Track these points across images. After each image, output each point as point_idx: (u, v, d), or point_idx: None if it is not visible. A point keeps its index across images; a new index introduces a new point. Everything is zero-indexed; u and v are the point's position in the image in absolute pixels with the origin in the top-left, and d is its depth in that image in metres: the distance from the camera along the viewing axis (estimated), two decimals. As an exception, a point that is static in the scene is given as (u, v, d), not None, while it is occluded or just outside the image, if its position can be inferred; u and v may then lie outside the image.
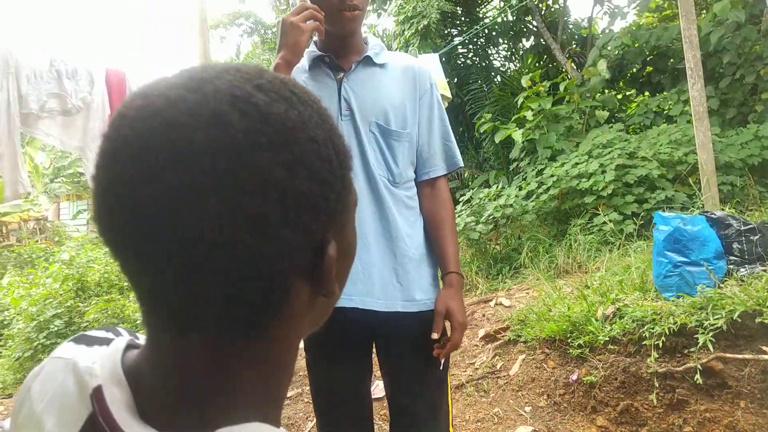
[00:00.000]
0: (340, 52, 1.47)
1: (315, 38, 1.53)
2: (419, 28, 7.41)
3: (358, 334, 1.48)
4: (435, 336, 1.39)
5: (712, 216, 3.02)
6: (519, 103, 6.37)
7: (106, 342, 0.48)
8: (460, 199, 5.78)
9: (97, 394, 0.41)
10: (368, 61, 1.48)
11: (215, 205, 0.36)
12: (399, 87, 1.49)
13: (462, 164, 1.58)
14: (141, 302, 0.42)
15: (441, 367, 1.49)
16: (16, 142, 2.53)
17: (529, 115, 5.96)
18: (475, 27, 8.33)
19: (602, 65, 6.44)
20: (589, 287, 3.44)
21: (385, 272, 1.43)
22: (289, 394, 3.34)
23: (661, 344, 2.54)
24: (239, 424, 0.40)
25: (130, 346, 0.47)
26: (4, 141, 2.45)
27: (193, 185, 0.36)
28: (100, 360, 0.44)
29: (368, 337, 1.51)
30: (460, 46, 8.74)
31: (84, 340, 0.49)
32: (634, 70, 7.43)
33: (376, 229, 1.44)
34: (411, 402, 1.52)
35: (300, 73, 1.48)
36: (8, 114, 2.46)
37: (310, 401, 3.25)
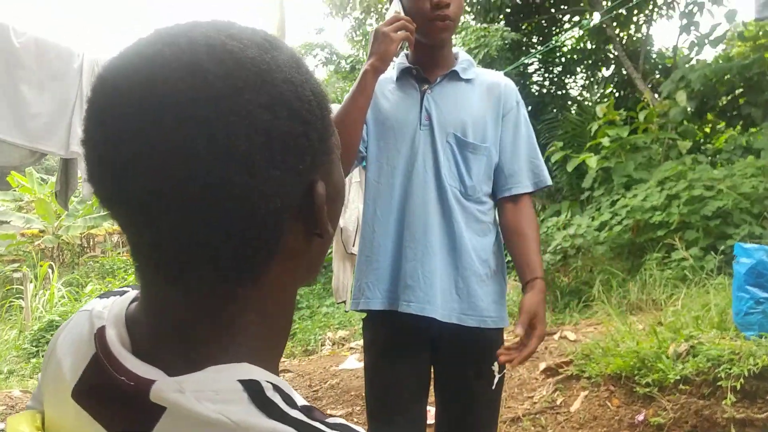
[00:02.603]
0: (429, 65, 1.49)
1: (406, 51, 1.56)
2: (481, 57, 7.44)
3: (417, 338, 1.46)
4: (519, 331, 1.32)
5: (803, 250, 2.75)
6: (593, 131, 6.17)
7: (123, 294, 0.52)
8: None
9: (100, 334, 0.44)
10: (454, 76, 1.49)
11: (203, 151, 0.37)
12: (482, 102, 1.48)
13: (550, 183, 1.53)
14: (137, 258, 0.44)
15: (494, 387, 1.42)
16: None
17: (605, 141, 5.74)
18: (535, 52, 8.20)
19: (681, 96, 6.12)
20: (662, 323, 3.21)
21: (445, 282, 1.41)
22: (338, 413, 3.30)
23: (739, 387, 2.32)
24: (229, 363, 0.41)
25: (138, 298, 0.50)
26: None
27: (179, 136, 0.37)
28: (110, 306, 0.48)
29: (427, 345, 1.48)
30: (535, 74, 8.62)
31: (107, 294, 0.53)
32: (723, 101, 7.01)
33: (441, 238, 1.43)
34: (459, 418, 1.46)
35: (388, 83, 1.51)
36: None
37: (360, 422, 3.20)
